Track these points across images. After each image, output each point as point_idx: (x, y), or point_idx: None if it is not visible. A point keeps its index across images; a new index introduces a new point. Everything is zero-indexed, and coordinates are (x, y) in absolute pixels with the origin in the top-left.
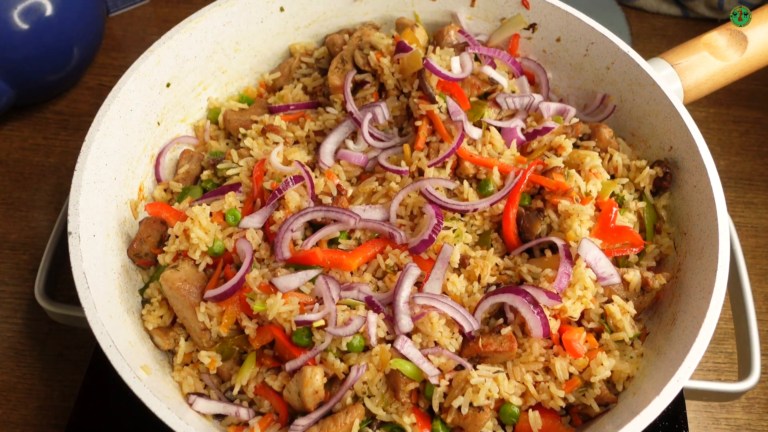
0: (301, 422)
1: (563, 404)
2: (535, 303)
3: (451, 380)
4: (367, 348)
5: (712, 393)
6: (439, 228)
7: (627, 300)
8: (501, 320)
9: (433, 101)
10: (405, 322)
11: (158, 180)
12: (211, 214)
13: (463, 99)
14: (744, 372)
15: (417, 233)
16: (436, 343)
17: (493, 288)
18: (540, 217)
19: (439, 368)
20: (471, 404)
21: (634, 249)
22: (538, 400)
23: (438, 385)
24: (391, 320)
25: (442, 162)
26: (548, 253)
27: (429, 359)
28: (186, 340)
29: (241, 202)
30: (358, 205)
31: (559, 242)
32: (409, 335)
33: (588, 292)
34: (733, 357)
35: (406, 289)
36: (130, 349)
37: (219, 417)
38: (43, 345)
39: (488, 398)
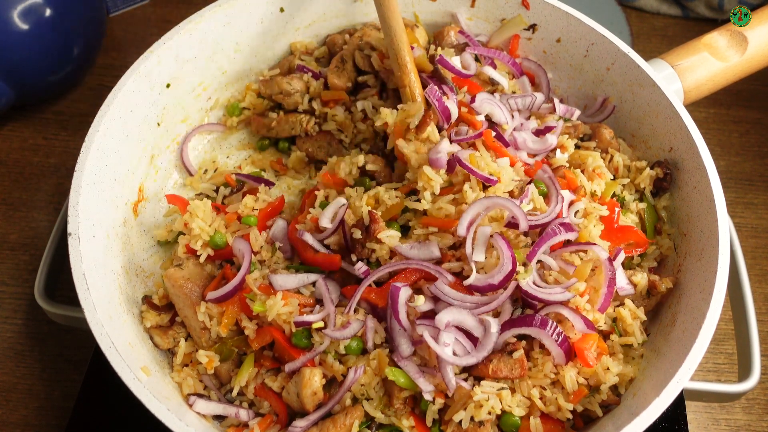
0: (300, 423)
1: (570, 416)
2: (558, 333)
3: (453, 394)
4: (365, 351)
5: (712, 394)
6: (512, 275)
7: (636, 303)
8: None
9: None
10: (405, 347)
11: (189, 173)
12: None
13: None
14: (744, 373)
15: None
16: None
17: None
18: None
19: (436, 386)
20: (472, 418)
21: (639, 249)
22: (546, 412)
23: (433, 402)
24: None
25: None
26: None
27: (424, 372)
28: (186, 339)
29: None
30: (404, 245)
31: (603, 255)
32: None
33: None
34: (733, 358)
35: (401, 313)
36: (129, 350)
37: (219, 418)
38: (43, 345)
39: (490, 414)
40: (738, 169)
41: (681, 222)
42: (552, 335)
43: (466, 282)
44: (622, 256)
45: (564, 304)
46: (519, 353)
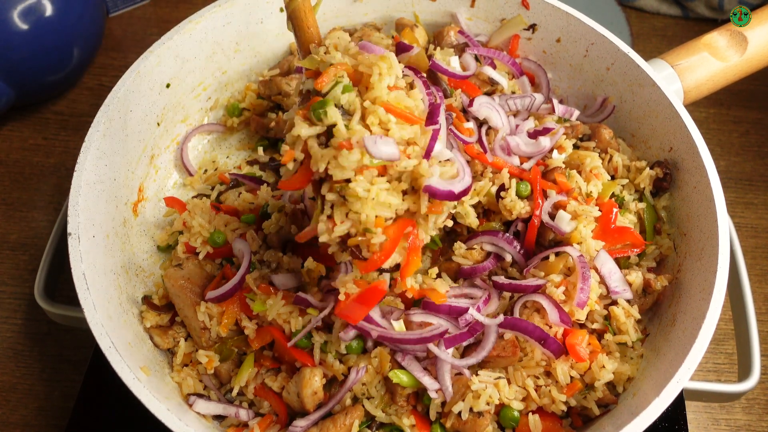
0: (300, 423)
1: (564, 408)
2: (546, 338)
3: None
4: (366, 350)
5: (712, 394)
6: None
7: (630, 302)
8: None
9: (447, 96)
10: (408, 346)
11: (189, 173)
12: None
13: (476, 94)
14: (744, 373)
15: None
16: None
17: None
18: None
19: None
20: (471, 409)
21: (635, 249)
22: (540, 404)
23: (437, 397)
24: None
25: None
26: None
27: (428, 370)
28: (186, 339)
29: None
30: (368, 136)
31: (575, 253)
32: None
33: (593, 293)
34: (733, 358)
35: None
36: (129, 350)
37: (219, 418)
38: (43, 345)
39: (488, 404)
40: (738, 169)
41: (681, 222)
42: (538, 337)
43: (427, 182)
44: (611, 264)
45: (541, 292)
46: (510, 334)
